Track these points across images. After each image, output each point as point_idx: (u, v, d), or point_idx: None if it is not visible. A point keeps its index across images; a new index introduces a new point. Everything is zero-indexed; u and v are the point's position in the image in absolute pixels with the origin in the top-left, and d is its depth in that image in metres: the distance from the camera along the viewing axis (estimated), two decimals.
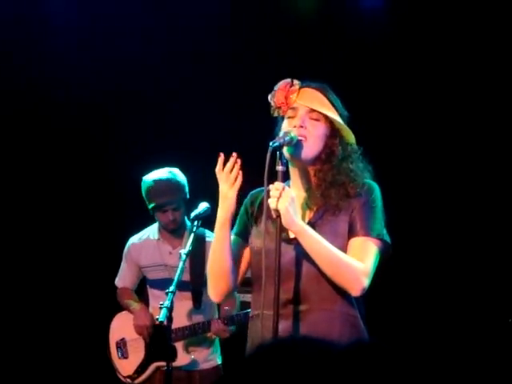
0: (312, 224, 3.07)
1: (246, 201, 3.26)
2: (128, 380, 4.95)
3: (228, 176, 3.02)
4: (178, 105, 5.96)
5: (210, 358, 4.91)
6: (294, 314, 3.06)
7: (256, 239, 3.15)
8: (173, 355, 4.57)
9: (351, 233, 3.07)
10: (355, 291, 3.03)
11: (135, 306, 4.94)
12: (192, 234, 4.11)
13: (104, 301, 5.31)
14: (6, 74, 5.93)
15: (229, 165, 3.02)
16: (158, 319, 3.87)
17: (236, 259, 3.16)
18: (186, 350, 4.85)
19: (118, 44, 5.86)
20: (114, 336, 5.02)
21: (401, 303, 5.61)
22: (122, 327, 4.98)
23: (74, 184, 6.13)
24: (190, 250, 4.06)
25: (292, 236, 3.07)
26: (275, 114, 3.15)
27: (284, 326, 3.01)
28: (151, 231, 4.99)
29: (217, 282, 3.16)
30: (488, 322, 5.49)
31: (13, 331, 6.06)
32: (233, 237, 3.17)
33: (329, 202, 3.09)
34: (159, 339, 4.73)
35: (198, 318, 4.85)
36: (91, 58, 5.93)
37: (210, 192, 3.49)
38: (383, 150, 4.91)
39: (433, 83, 5.64)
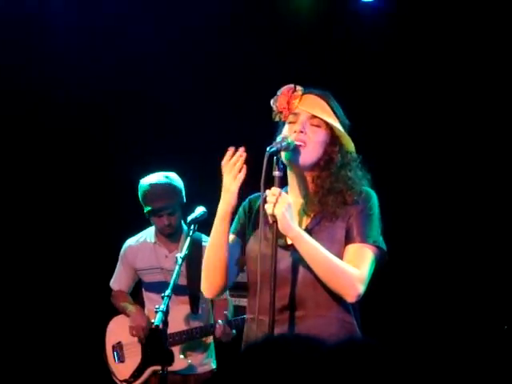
0: (309, 230, 3.07)
1: (245, 203, 3.26)
2: None
3: (232, 168, 3.02)
4: (177, 105, 5.95)
5: (205, 362, 4.91)
6: (290, 320, 3.06)
7: (253, 244, 3.15)
8: (169, 359, 4.56)
9: (348, 239, 3.08)
10: (350, 297, 3.03)
11: (131, 308, 4.92)
12: (188, 238, 4.11)
13: (100, 304, 5.30)
14: (5, 74, 5.92)
15: (234, 157, 3.02)
16: (153, 323, 3.87)
17: (232, 256, 3.15)
18: (183, 354, 4.84)
19: (118, 44, 5.85)
20: (111, 340, 5.01)
21: (396, 310, 5.61)
22: (119, 331, 4.97)
23: (74, 184, 6.13)
24: (186, 254, 4.05)
25: (289, 242, 3.06)
26: (276, 119, 3.15)
27: (279, 332, 3.00)
28: (148, 234, 4.98)
29: (213, 276, 3.15)
30: (483, 329, 5.49)
31: (9, 334, 6.06)
32: (230, 235, 3.16)
33: (326, 209, 3.09)
34: (155, 343, 4.72)
35: (196, 323, 4.84)
36: (91, 58, 5.93)
37: (207, 196, 3.49)
38: (381, 158, 4.91)
39: (433, 92, 5.65)
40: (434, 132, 5.67)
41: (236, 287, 4.74)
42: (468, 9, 5.55)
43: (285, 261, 3.06)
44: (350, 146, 3.16)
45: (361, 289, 3.02)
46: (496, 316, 5.47)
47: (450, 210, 5.65)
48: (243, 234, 3.21)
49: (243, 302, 4.42)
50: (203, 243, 4.60)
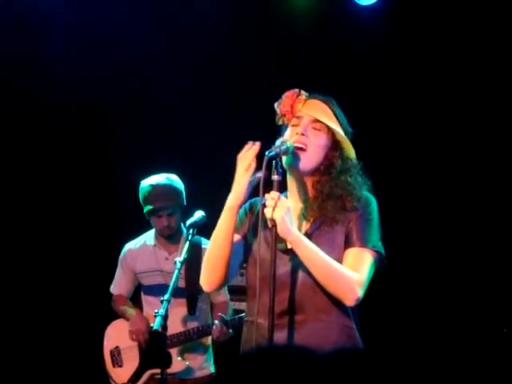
0: (309, 235, 3.07)
1: (246, 206, 3.25)
2: None
3: (245, 160, 3.02)
4: (177, 105, 5.95)
5: (203, 365, 4.90)
6: (290, 325, 3.06)
7: (252, 248, 3.14)
8: (167, 362, 4.56)
9: (347, 244, 3.08)
10: (349, 301, 3.03)
11: (131, 311, 4.92)
12: (187, 242, 4.11)
13: (99, 308, 5.29)
14: (5, 74, 5.92)
15: (248, 150, 3.03)
16: (152, 327, 3.86)
17: (233, 253, 3.13)
18: (181, 356, 4.83)
19: (118, 44, 5.85)
20: (109, 344, 5.00)
21: (395, 314, 5.61)
22: (117, 335, 4.96)
23: (74, 184, 6.12)
24: (185, 258, 4.05)
25: (289, 246, 3.06)
26: (280, 122, 3.18)
27: (279, 337, 3.00)
28: (148, 237, 4.98)
29: (213, 269, 3.13)
30: (482, 333, 5.50)
31: (8, 337, 6.05)
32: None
33: (326, 215, 3.10)
34: (154, 346, 4.71)
35: (193, 324, 4.83)
36: (91, 58, 5.92)
37: (207, 196, 3.49)
38: (379, 163, 4.90)
39: (433, 99, 5.64)
40: (433, 133, 5.67)
41: (235, 291, 4.77)
42: (468, 9, 5.54)
43: (284, 265, 3.06)
44: (350, 152, 3.17)
45: (360, 293, 3.02)
46: (495, 320, 5.47)
47: (449, 215, 5.66)
48: (245, 234, 3.21)
49: (243, 305, 4.41)
50: (203, 246, 4.58)
